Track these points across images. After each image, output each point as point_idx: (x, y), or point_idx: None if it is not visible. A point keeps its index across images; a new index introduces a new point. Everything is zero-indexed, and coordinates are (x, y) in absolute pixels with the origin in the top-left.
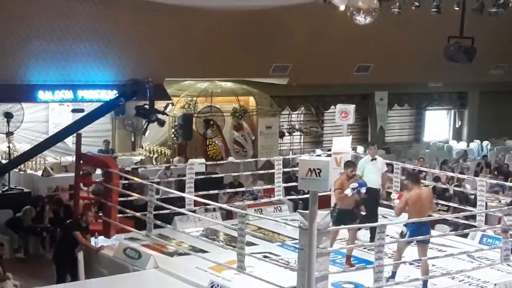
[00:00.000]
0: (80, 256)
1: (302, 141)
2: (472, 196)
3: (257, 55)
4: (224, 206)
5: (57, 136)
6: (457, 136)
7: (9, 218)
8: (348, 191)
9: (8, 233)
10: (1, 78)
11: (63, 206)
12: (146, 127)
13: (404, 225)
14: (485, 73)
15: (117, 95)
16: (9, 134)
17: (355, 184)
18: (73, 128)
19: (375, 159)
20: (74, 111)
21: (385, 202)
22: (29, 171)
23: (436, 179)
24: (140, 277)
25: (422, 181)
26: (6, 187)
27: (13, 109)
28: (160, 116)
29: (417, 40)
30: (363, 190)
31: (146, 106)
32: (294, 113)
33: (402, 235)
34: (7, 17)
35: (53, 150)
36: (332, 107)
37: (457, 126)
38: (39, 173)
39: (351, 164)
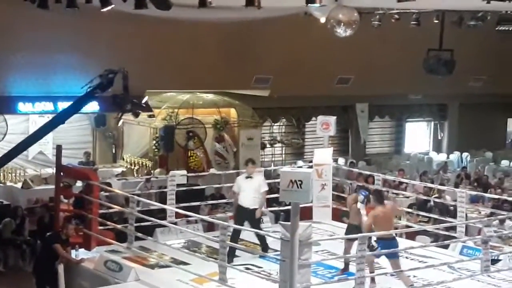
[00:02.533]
0: (61, 268)
1: (283, 152)
2: (452, 208)
3: (238, 67)
4: (206, 218)
5: (42, 130)
6: (437, 147)
7: None
8: (360, 206)
9: None
10: None
11: (49, 214)
12: (121, 116)
13: (375, 241)
14: (464, 85)
15: (91, 87)
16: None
17: (360, 196)
18: (55, 122)
19: (251, 177)
20: None
21: None
22: (8, 183)
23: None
24: None
25: (403, 192)
26: None
27: None
28: (135, 107)
29: (397, 52)
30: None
31: (121, 95)
32: (275, 124)
33: (372, 248)
34: None
35: (33, 162)
36: (313, 118)
37: (439, 137)
38: (19, 185)
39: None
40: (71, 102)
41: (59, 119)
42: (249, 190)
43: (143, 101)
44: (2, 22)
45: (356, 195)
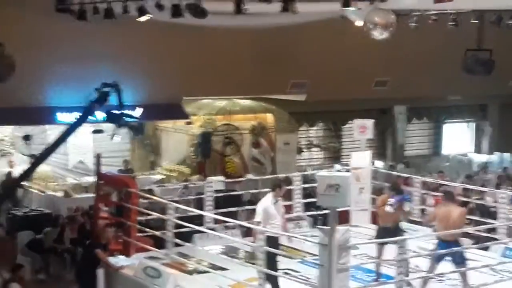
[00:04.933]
0: (100, 273)
1: (320, 156)
2: (493, 209)
3: (274, 72)
4: (244, 223)
5: (49, 150)
6: (478, 148)
7: (30, 239)
8: (388, 208)
9: (29, 254)
10: (21, 101)
11: (90, 221)
12: (116, 132)
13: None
14: (504, 85)
15: (90, 101)
16: (32, 156)
17: (391, 200)
18: (61, 140)
19: (277, 201)
20: (95, 132)
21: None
22: (49, 193)
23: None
24: None
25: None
26: (27, 209)
27: (34, 132)
28: (129, 121)
29: (435, 53)
30: (407, 206)
31: (117, 112)
32: (312, 129)
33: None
34: (27, 41)
35: (73, 171)
36: (350, 122)
37: (487, 136)
38: (60, 194)
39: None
40: (74, 121)
41: (63, 139)
42: (279, 216)
43: (135, 113)
44: (41, 34)
45: (386, 197)
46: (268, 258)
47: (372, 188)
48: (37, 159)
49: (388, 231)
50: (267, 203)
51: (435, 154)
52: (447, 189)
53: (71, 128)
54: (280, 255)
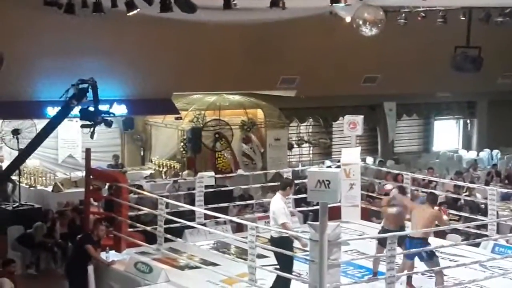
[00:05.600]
0: (91, 270)
1: (311, 152)
2: (483, 205)
3: (264, 68)
4: (234, 219)
5: (30, 147)
6: (467, 145)
7: (20, 234)
8: (391, 209)
9: (20, 249)
10: (10, 95)
11: (80, 216)
12: (93, 130)
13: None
14: (493, 82)
15: (67, 97)
16: (20, 150)
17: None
18: (40, 138)
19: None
20: (83, 126)
21: None
22: (39, 187)
23: (454, 188)
24: None
25: (433, 191)
26: (17, 204)
27: (24, 126)
28: (105, 116)
29: (424, 50)
30: None
31: (91, 108)
32: (302, 125)
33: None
34: (15, 34)
35: (63, 166)
36: (341, 118)
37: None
38: (49, 188)
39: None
40: (52, 117)
41: (45, 134)
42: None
43: (108, 109)
44: (29, 27)
45: (389, 198)
46: (286, 261)
47: (368, 186)
48: (20, 156)
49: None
50: (282, 203)
51: (425, 150)
52: (433, 191)
53: (50, 125)
54: (271, 250)
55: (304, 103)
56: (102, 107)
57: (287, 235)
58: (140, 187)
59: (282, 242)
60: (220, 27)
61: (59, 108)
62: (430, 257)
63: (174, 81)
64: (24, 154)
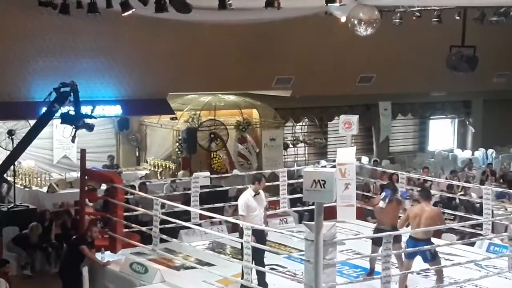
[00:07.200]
0: (85, 271)
1: (306, 152)
2: (478, 205)
3: (259, 68)
4: (230, 219)
5: (15, 151)
6: (462, 145)
7: (15, 235)
8: (381, 203)
9: (15, 250)
10: (5, 95)
11: (71, 218)
12: (75, 134)
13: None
14: (488, 81)
15: (49, 101)
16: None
17: (383, 194)
18: (25, 142)
19: (259, 193)
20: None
21: None
22: (34, 188)
23: (449, 187)
24: None
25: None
26: (12, 204)
27: (18, 126)
28: (87, 120)
29: (419, 50)
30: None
31: (71, 112)
32: (297, 124)
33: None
34: (9, 35)
35: (58, 166)
36: (336, 118)
37: (472, 131)
38: (44, 189)
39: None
40: (35, 121)
41: (30, 137)
42: (261, 209)
43: (93, 112)
44: (24, 27)
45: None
46: (255, 251)
47: (363, 185)
48: (8, 157)
49: (383, 232)
50: (247, 196)
51: (420, 150)
52: (424, 186)
53: (35, 129)
54: (267, 250)
55: (299, 103)
56: (85, 109)
57: (259, 228)
58: (134, 187)
59: (254, 234)
60: (215, 28)
61: (43, 111)
62: (434, 257)
63: (169, 81)
64: (9, 159)
